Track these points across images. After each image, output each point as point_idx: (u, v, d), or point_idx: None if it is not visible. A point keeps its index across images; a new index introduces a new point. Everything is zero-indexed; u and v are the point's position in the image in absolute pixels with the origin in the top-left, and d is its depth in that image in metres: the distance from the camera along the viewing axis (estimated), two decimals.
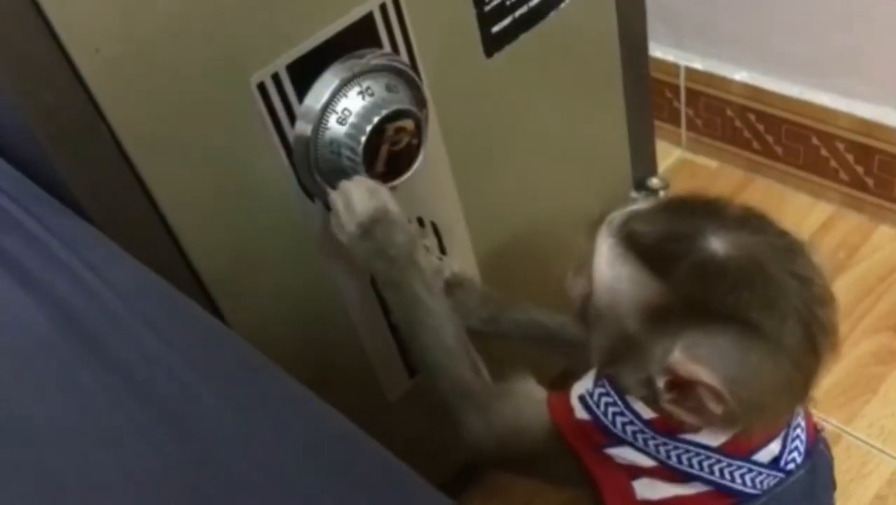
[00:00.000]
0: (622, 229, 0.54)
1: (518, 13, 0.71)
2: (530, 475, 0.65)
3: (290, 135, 0.60)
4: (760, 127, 1.21)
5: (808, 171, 1.19)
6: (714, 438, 0.55)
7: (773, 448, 0.56)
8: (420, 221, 0.73)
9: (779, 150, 1.21)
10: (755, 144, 1.23)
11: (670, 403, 0.52)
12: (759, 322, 0.49)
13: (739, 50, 1.18)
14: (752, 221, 0.52)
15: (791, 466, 0.57)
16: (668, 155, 1.33)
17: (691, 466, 0.55)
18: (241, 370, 0.41)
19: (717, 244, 0.50)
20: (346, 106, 0.60)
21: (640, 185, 0.96)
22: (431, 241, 0.76)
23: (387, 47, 0.63)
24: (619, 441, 0.56)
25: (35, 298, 0.43)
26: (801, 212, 1.19)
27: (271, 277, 0.66)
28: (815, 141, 1.15)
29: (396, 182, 0.65)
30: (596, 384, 0.58)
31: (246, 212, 0.61)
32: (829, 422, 0.95)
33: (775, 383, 0.51)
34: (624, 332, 0.52)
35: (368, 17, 0.61)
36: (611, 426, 0.56)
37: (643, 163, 0.95)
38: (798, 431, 0.58)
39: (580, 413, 0.58)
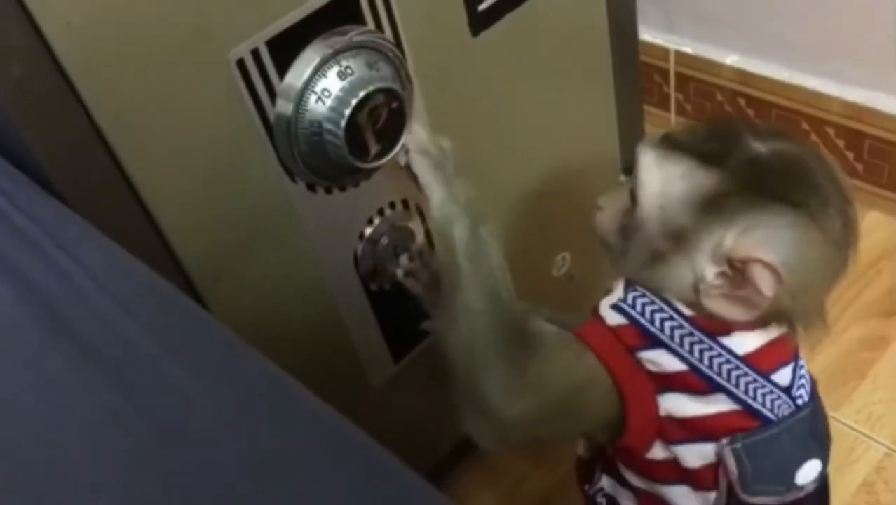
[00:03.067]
0: (663, 141, 0.57)
1: None
2: (565, 430, 0.62)
3: (271, 113, 0.59)
4: (750, 112, 1.20)
5: None
6: (741, 345, 0.56)
7: (785, 375, 0.58)
8: (405, 204, 0.72)
9: None
10: None
11: (718, 298, 0.53)
12: (808, 206, 0.52)
13: (730, 33, 1.17)
14: (780, 133, 0.56)
15: (800, 400, 0.58)
16: None
17: (720, 373, 0.55)
18: (216, 352, 0.40)
19: (759, 146, 0.54)
20: (325, 86, 0.59)
21: (629, 169, 0.94)
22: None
23: (370, 24, 0.61)
24: (655, 342, 0.55)
25: (2, 278, 0.42)
26: None
27: (253, 259, 0.64)
28: (804, 126, 1.14)
29: (383, 161, 0.64)
30: (628, 291, 0.57)
31: (225, 192, 0.60)
32: None
33: (821, 267, 0.54)
34: (674, 229, 0.54)
35: None
36: (648, 324, 0.55)
37: (632, 146, 0.93)
38: (803, 371, 0.60)
39: (613, 319, 0.57)
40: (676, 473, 0.58)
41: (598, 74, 0.84)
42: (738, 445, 0.56)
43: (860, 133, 1.09)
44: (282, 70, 0.58)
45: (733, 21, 1.16)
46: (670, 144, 0.56)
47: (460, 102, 0.72)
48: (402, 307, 0.77)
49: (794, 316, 0.56)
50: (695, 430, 0.57)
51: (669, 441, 0.57)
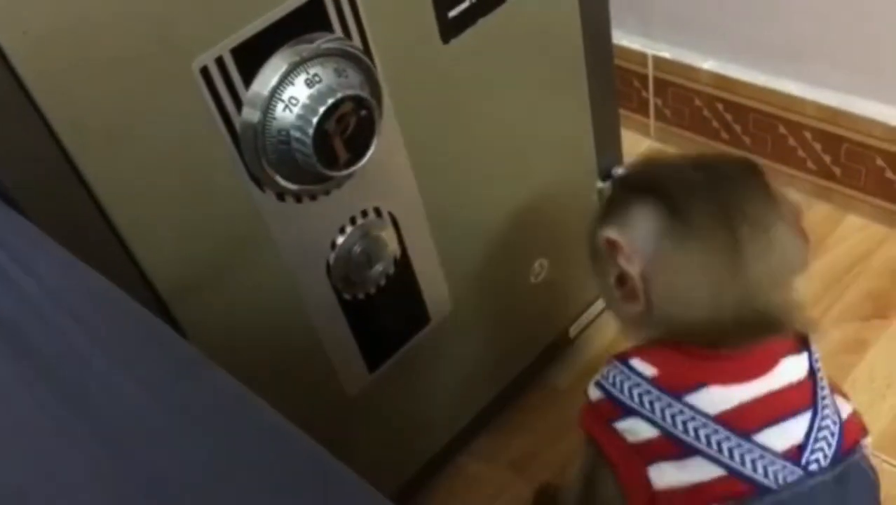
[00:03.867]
0: None
1: None
2: None
3: (237, 122, 0.58)
4: (728, 116, 1.20)
5: (775, 161, 1.18)
6: (715, 403, 0.55)
7: (782, 435, 0.55)
8: (377, 212, 0.71)
9: (746, 139, 1.20)
10: (723, 134, 1.22)
11: (623, 301, 0.58)
12: (671, 199, 0.56)
13: (707, 38, 1.17)
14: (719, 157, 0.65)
15: (814, 466, 0.55)
16: (638, 145, 1.32)
17: (697, 437, 0.55)
18: (173, 367, 0.39)
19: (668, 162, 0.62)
20: (293, 94, 0.58)
21: (606, 175, 0.94)
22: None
23: (338, 31, 0.61)
24: (628, 411, 0.57)
25: None
26: None
27: (222, 271, 0.63)
28: (782, 130, 1.14)
29: (353, 169, 0.63)
30: (607, 367, 0.60)
31: (191, 203, 0.59)
32: None
33: (684, 262, 0.56)
34: (593, 250, 0.61)
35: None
36: (619, 394, 0.58)
37: (609, 152, 0.93)
38: (825, 432, 0.56)
39: (594, 395, 0.60)
40: None
41: (573, 80, 0.84)
42: None
43: (837, 136, 1.09)
44: (247, 78, 0.57)
45: (710, 26, 1.16)
46: None
47: (432, 110, 0.71)
48: (376, 316, 0.76)
49: (673, 313, 0.57)
50: (688, 501, 0.55)
51: None
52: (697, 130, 1.25)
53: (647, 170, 0.62)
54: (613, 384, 0.58)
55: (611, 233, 0.57)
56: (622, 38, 1.24)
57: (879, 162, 1.07)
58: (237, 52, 0.56)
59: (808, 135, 1.12)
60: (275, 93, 0.58)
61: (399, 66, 0.66)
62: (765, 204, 0.56)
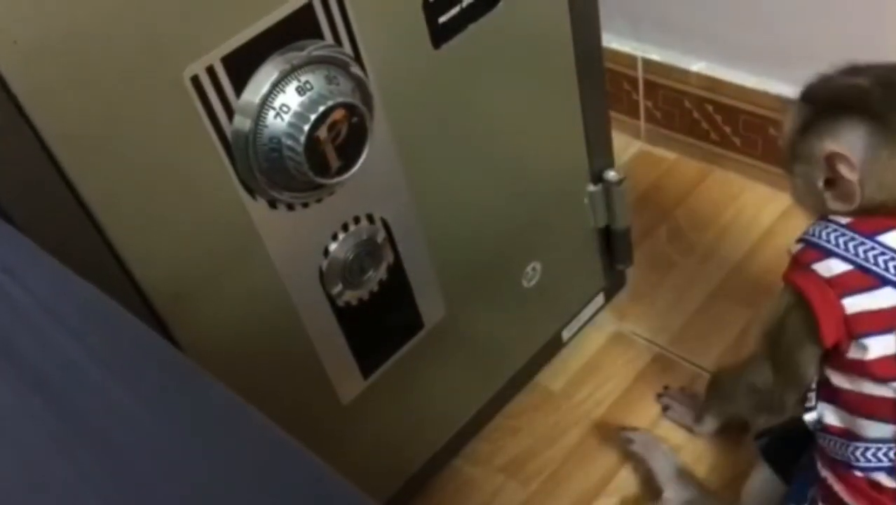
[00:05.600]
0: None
1: (466, 2, 0.69)
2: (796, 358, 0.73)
3: (228, 131, 0.58)
4: (718, 118, 1.20)
5: (766, 162, 1.18)
6: None
7: None
8: (370, 218, 0.71)
9: (737, 141, 1.20)
10: (713, 136, 1.23)
11: (833, 199, 0.67)
12: (879, 115, 0.63)
13: (696, 41, 1.18)
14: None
15: None
16: (629, 147, 1.32)
17: (887, 268, 0.64)
18: (165, 377, 0.39)
19: (857, 79, 0.67)
20: (284, 101, 0.58)
21: (598, 178, 0.95)
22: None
23: (328, 39, 0.61)
24: (826, 253, 0.67)
25: None
26: (760, 203, 1.19)
27: (215, 278, 0.63)
28: (772, 131, 1.15)
29: (345, 177, 0.63)
30: (812, 226, 0.70)
31: (184, 211, 0.59)
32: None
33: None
34: (794, 156, 0.69)
35: (308, 7, 0.59)
36: (816, 239, 0.68)
37: (600, 155, 0.94)
38: None
39: (796, 247, 0.70)
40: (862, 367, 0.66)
41: (563, 82, 0.84)
42: None
43: None
44: (238, 86, 0.57)
45: (700, 28, 1.16)
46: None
47: (424, 115, 0.71)
48: (370, 322, 0.76)
49: (884, 202, 0.65)
50: (878, 322, 0.65)
51: (858, 335, 0.65)
52: (688, 132, 1.25)
53: (839, 86, 0.68)
54: (813, 234, 0.69)
55: (833, 146, 0.65)
56: (612, 41, 1.24)
57: None
58: (228, 60, 0.56)
59: None
60: (266, 101, 0.58)
61: (390, 72, 0.66)
62: None
